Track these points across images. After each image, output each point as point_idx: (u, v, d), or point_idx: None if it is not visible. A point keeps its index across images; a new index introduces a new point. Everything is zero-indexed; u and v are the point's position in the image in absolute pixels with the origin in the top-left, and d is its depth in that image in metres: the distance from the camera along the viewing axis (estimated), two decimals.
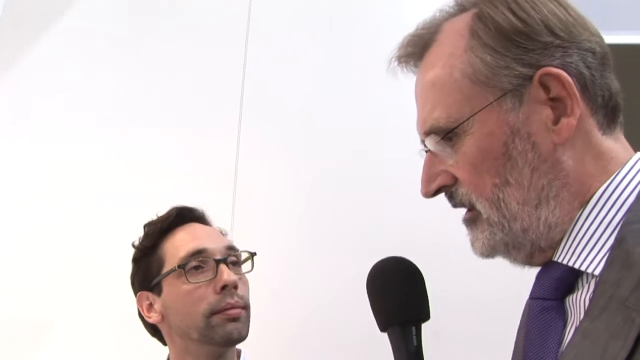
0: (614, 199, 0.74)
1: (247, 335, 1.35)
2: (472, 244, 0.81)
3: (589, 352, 0.68)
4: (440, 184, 0.82)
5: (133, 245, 1.45)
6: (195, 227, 1.44)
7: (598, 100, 0.77)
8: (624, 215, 0.73)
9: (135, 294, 1.44)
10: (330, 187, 1.94)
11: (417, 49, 0.85)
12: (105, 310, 1.85)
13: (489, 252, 0.80)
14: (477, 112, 0.77)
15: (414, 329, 0.87)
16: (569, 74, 0.75)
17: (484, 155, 0.77)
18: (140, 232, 1.46)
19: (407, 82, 0.88)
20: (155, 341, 1.45)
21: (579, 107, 0.75)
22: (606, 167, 0.76)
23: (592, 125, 0.77)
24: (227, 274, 1.35)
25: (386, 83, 0.92)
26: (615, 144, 0.78)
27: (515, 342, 0.89)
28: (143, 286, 1.42)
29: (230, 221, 1.75)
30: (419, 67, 0.85)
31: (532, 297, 0.80)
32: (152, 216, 1.47)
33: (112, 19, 2.14)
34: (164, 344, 1.46)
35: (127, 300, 1.48)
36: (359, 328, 1.63)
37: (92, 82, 2.09)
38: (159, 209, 1.47)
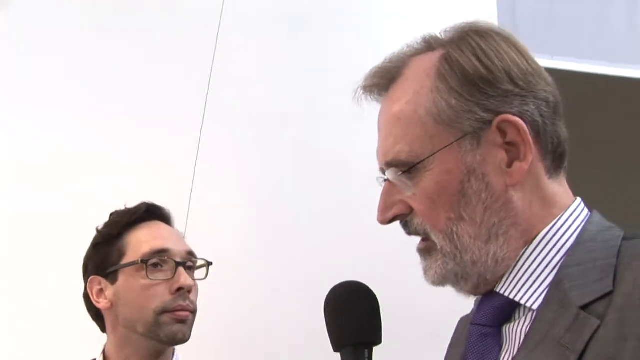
0: (555, 241, 0.81)
1: (189, 338, 1.41)
2: (425, 272, 0.86)
3: None
4: (396, 213, 0.86)
5: (97, 230, 1.48)
6: (160, 226, 1.49)
7: (548, 147, 0.83)
8: (562, 257, 0.80)
9: (87, 276, 1.46)
10: (289, 197, 2.01)
11: (383, 81, 0.89)
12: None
13: (440, 280, 0.85)
14: (438, 151, 0.81)
15: (366, 351, 0.92)
16: (524, 121, 0.80)
17: (441, 191, 0.82)
18: (92, 226, 1.50)
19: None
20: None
21: (532, 154, 0.81)
22: (550, 210, 0.82)
23: (540, 169, 0.83)
24: (184, 278, 1.41)
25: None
26: (559, 187, 0.84)
27: (447, 356, 0.99)
28: (97, 271, 1.44)
29: (185, 223, 1.80)
30: (385, 97, 0.89)
31: (473, 322, 0.86)
32: (110, 210, 1.51)
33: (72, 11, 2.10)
34: (103, 330, 1.49)
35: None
36: (312, 341, 1.72)
37: (54, 71, 2.04)
38: (113, 205, 1.52)
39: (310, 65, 2.14)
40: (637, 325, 0.70)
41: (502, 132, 0.81)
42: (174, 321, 1.39)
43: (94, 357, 1.48)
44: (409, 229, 0.86)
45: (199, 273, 1.49)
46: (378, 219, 0.88)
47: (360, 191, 1.91)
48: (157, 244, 1.43)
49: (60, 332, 1.76)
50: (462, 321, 1.01)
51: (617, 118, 2.71)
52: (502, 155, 0.81)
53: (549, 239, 0.81)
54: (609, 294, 0.73)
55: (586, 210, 0.85)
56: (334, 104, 2.08)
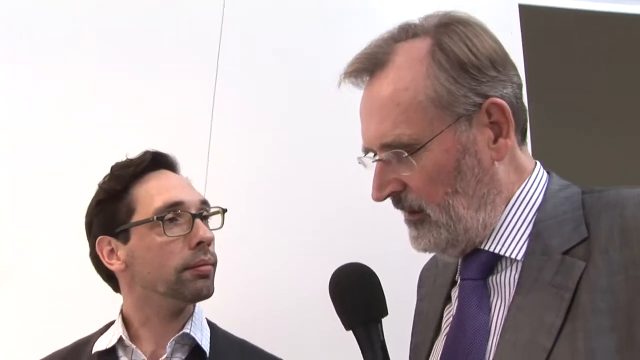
0: (527, 200, 0.93)
1: (213, 292, 1.33)
2: (415, 240, 0.95)
3: (526, 321, 0.84)
4: (391, 190, 0.94)
5: (99, 185, 1.35)
6: (169, 176, 1.37)
7: (520, 124, 0.95)
8: (535, 213, 0.92)
9: (93, 236, 1.35)
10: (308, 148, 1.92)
11: (368, 66, 0.95)
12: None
13: (432, 249, 0.95)
14: (439, 133, 0.90)
15: (378, 325, 0.97)
16: (506, 102, 0.91)
17: (439, 168, 0.91)
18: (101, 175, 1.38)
19: None
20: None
21: (513, 131, 0.92)
22: (521, 175, 0.95)
23: (515, 143, 0.95)
24: (203, 231, 1.31)
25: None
26: (525, 156, 0.97)
27: (417, 312, 1.11)
28: (105, 230, 1.33)
29: (205, 172, 1.69)
30: (371, 82, 0.95)
31: (463, 278, 0.96)
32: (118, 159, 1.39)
33: None
34: (116, 290, 1.40)
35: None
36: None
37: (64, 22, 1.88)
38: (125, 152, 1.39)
39: (327, 13, 1.99)
40: (620, 261, 0.81)
41: (488, 113, 0.91)
42: (197, 277, 1.30)
43: (112, 320, 1.39)
44: (402, 204, 0.95)
45: (213, 221, 1.39)
46: (373, 197, 0.96)
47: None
48: (170, 197, 1.31)
49: (73, 295, 1.66)
50: (428, 276, 1.13)
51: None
52: (489, 134, 0.92)
53: (522, 199, 0.93)
54: (585, 240, 0.85)
55: (545, 172, 0.97)
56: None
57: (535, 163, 0.98)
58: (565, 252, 0.85)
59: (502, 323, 0.87)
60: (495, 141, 0.92)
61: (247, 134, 1.87)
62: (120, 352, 1.33)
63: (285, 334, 1.69)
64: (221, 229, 1.39)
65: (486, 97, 0.90)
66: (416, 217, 0.94)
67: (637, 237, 0.81)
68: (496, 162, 0.92)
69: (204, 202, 1.37)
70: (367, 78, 0.96)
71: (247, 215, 1.69)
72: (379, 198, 0.95)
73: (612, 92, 2.87)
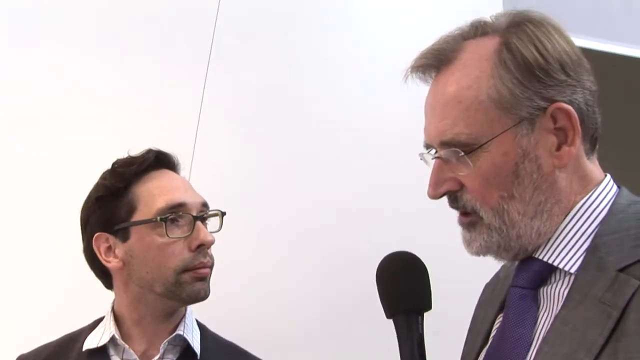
0: (590, 212, 0.90)
1: (209, 294, 1.34)
2: (469, 244, 0.93)
3: (568, 336, 0.82)
4: (447, 189, 0.93)
5: (100, 181, 1.34)
6: (171, 176, 1.37)
7: (589, 132, 0.91)
8: (596, 227, 0.89)
9: (89, 232, 1.34)
10: (297, 145, 1.91)
11: (435, 62, 0.93)
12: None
13: (484, 252, 0.93)
14: (498, 135, 0.88)
15: (419, 317, 0.96)
16: (573, 108, 0.88)
17: (496, 171, 0.89)
18: (94, 171, 1.36)
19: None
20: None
21: (579, 138, 0.89)
22: (586, 186, 0.91)
23: (581, 152, 0.91)
24: (204, 234, 1.32)
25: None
26: (593, 166, 0.94)
27: (473, 320, 1.09)
28: (103, 227, 1.32)
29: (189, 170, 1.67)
30: (437, 78, 0.94)
31: (513, 285, 0.94)
32: (110, 157, 1.37)
33: None
34: (108, 288, 1.38)
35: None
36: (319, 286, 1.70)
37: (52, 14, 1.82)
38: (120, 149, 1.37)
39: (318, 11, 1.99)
40: None
41: (554, 118, 0.88)
42: (195, 279, 1.30)
43: (102, 316, 1.38)
44: (457, 204, 0.93)
45: (212, 224, 1.39)
46: (429, 194, 0.94)
47: (374, 141, 1.89)
48: (173, 198, 1.31)
49: (62, 290, 1.64)
50: (488, 286, 1.11)
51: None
52: (552, 140, 0.88)
53: (584, 210, 0.90)
54: None
55: (615, 185, 0.94)
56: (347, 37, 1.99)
57: (606, 175, 0.95)
58: (621, 270, 0.82)
59: (544, 335, 0.86)
60: (558, 148, 0.89)
61: (234, 133, 1.87)
62: (111, 351, 1.32)
63: (274, 335, 1.71)
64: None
65: (552, 101, 0.87)
66: (469, 219, 0.93)
67: None
68: (557, 170, 0.89)
69: (205, 205, 1.37)
70: (434, 74, 0.94)
71: (233, 216, 1.69)
72: (434, 195, 0.93)
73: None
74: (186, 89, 1.83)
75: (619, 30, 2.39)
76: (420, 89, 0.97)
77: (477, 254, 0.93)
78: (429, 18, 2.02)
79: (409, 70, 0.95)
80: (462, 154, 0.89)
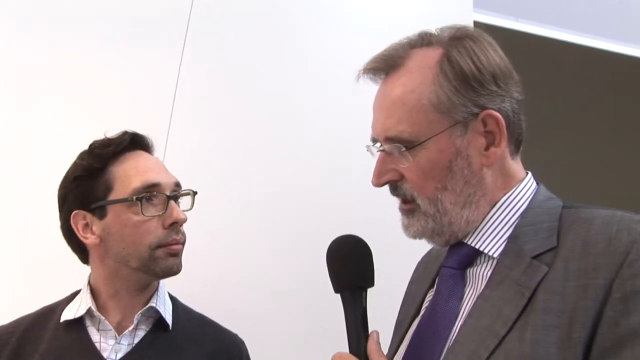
0: (512, 205, 1.03)
1: (181, 270, 1.42)
2: (407, 228, 1.06)
3: (488, 311, 0.95)
4: (389, 179, 1.05)
5: (77, 161, 1.40)
6: (145, 157, 1.43)
7: (514, 135, 1.05)
8: (517, 218, 1.02)
9: (67, 209, 1.40)
10: (274, 130, 1.97)
11: (384, 66, 1.06)
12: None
13: (419, 236, 1.06)
14: (435, 135, 1.00)
15: (363, 293, 1.07)
16: (502, 116, 1.01)
17: (433, 165, 1.01)
18: (73, 151, 1.42)
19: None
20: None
21: (505, 141, 1.02)
22: (509, 182, 1.05)
23: (506, 153, 1.05)
24: (177, 212, 1.39)
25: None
26: (516, 165, 1.07)
27: (406, 294, 1.24)
28: (81, 205, 1.38)
29: (163, 151, 1.73)
30: (385, 80, 1.06)
31: (444, 265, 1.07)
32: (84, 138, 1.43)
33: None
34: (84, 262, 1.45)
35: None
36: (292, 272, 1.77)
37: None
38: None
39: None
40: (575, 270, 0.91)
41: (484, 123, 1.01)
42: (168, 255, 1.38)
43: (77, 289, 1.45)
44: (397, 192, 1.06)
45: (184, 203, 1.47)
46: (372, 182, 1.07)
47: (344, 133, 1.96)
48: (148, 178, 1.38)
49: (38, 263, 1.69)
50: (420, 264, 1.27)
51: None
52: (482, 141, 1.01)
53: (507, 204, 1.03)
54: (553, 249, 0.96)
55: (535, 183, 1.07)
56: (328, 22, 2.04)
57: (527, 173, 1.08)
58: (535, 257, 0.96)
59: (469, 310, 0.98)
60: (486, 149, 1.01)
61: (207, 116, 1.92)
62: (88, 322, 1.39)
63: (242, 307, 1.79)
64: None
65: (484, 108, 1.00)
66: (408, 207, 1.05)
67: (595, 250, 0.92)
68: (485, 168, 1.02)
69: (177, 184, 1.44)
70: (383, 76, 1.06)
71: (204, 195, 1.75)
72: (377, 184, 1.06)
73: (556, 115, 3.07)
74: (161, 72, 1.87)
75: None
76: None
77: (414, 237, 1.06)
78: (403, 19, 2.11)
79: (361, 71, 1.08)
80: (404, 149, 1.01)
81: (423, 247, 1.16)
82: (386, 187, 1.08)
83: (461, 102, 1.00)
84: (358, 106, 1.89)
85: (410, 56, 1.04)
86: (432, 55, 1.02)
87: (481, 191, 1.02)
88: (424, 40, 1.05)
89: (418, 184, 1.02)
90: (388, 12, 2.13)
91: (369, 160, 1.10)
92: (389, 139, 1.03)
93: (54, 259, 1.58)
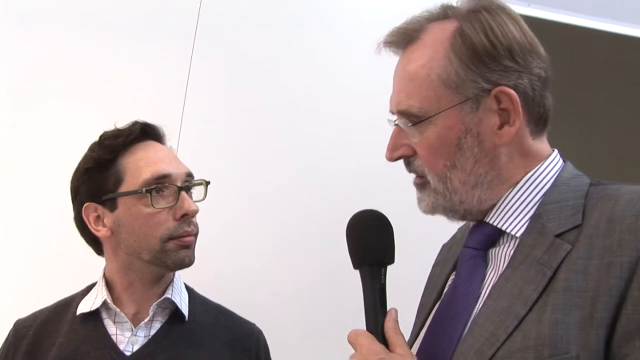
0: (536, 184, 0.99)
1: (194, 261, 1.40)
2: (419, 202, 1.04)
3: (509, 291, 0.92)
4: (402, 154, 1.03)
5: (88, 153, 1.39)
6: (156, 147, 1.41)
7: (534, 114, 1.00)
8: (541, 197, 0.98)
9: (79, 201, 1.39)
10: (285, 118, 1.95)
11: (401, 40, 1.03)
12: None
13: (431, 211, 1.03)
14: (443, 110, 0.97)
15: (382, 270, 1.03)
16: (517, 92, 0.96)
17: (441, 142, 0.98)
18: (78, 144, 1.41)
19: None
20: None
21: (519, 120, 0.97)
22: (531, 162, 1.00)
23: (525, 132, 1.00)
24: (188, 204, 1.37)
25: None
26: (540, 144, 1.02)
27: (430, 276, 1.20)
28: (92, 197, 1.38)
29: (177, 141, 1.72)
30: (402, 55, 1.04)
31: (465, 245, 1.04)
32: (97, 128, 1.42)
33: None
34: (99, 254, 1.45)
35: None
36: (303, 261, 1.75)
37: None
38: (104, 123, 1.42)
39: None
40: (600, 247, 0.87)
41: (498, 100, 0.96)
42: (180, 247, 1.36)
43: (93, 282, 1.45)
44: (410, 168, 1.03)
45: (196, 193, 1.45)
46: (386, 156, 1.04)
47: (362, 118, 1.93)
48: (158, 170, 1.36)
49: (54, 256, 1.70)
50: (445, 246, 1.23)
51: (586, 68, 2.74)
52: (495, 119, 0.97)
53: (531, 182, 0.99)
54: (578, 227, 0.91)
55: (561, 160, 1.03)
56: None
57: (553, 151, 1.03)
58: (558, 235, 0.92)
59: (490, 291, 0.95)
60: (500, 127, 0.97)
61: (220, 104, 1.91)
62: (104, 314, 1.39)
63: (260, 300, 1.78)
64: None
65: (496, 84, 0.95)
66: (420, 181, 1.02)
67: (620, 227, 0.87)
68: (499, 147, 0.97)
69: (189, 175, 1.42)
70: (402, 50, 1.03)
71: (219, 185, 1.74)
72: (390, 158, 1.03)
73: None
74: (174, 60, 1.86)
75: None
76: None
77: (426, 212, 1.04)
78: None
79: (382, 44, 1.05)
80: (410, 124, 0.99)
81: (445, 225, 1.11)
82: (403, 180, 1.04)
83: (471, 78, 0.96)
84: (368, 98, 1.87)
85: (427, 30, 1.01)
86: (447, 28, 0.99)
87: (494, 171, 0.98)
88: (442, 13, 1.01)
89: (427, 160, 0.99)
90: (398, 6, 2.07)
91: (383, 149, 1.05)
92: (400, 113, 1.01)
93: (70, 252, 1.58)
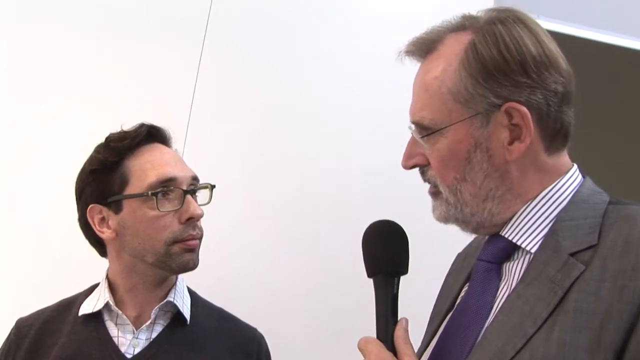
0: (553, 199, 0.98)
1: (198, 264, 1.40)
2: (433, 211, 1.04)
3: (519, 308, 0.90)
4: (416, 163, 1.03)
5: (93, 155, 1.39)
6: (162, 150, 1.41)
7: (549, 130, 0.97)
8: (558, 213, 0.97)
9: (84, 203, 1.39)
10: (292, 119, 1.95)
11: (419, 50, 1.03)
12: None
13: (444, 221, 1.03)
14: (453, 124, 0.97)
15: (395, 279, 1.03)
16: (530, 108, 0.94)
17: (451, 155, 0.98)
18: (86, 145, 1.41)
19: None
20: None
21: (530, 137, 0.95)
22: (548, 177, 0.99)
23: (539, 148, 0.98)
24: (193, 207, 1.37)
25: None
26: (557, 160, 1.00)
27: (443, 286, 1.19)
28: (97, 199, 1.37)
29: (183, 144, 1.71)
30: (421, 64, 1.03)
31: (479, 258, 1.03)
32: (104, 129, 1.42)
33: None
34: (102, 255, 1.44)
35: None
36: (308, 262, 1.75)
37: None
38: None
39: None
40: (614, 270, 0.85)
41: (509, 115, 0.95)
42: (184, 250, 1.36)
43: (96, 282, 1.45)
44: (424, 177, 1.04)
45: (201, 196, 1.45)
46: (402, 164, 1.04)
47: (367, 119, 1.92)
48: (164, 173, 1.36)
49: (58, 255, 1.70)
50: (460, 256, 1.22)
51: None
52: (505, 135, 0.96)
53: (548, 197, 0.98)
54: (593, 247, 0.90)
55: (580, 176, 1.01)
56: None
57: (573, 166, 1.02)
58: (573, 254, 0.90)
59: (501, 306, 0.94)
60: (511, 143, 0.96)
61: (227, 107, 1.90)
62: (105, 316, 1.39)
63: (263, 304, 1.78)
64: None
65: (507, 100, 0.94)
66: (433, 190, 1.03)
67: (636, 251, 0.85)
68: (511, 163, 0.96)
69: (195, 178, 1.42)
70: (422, 59, 1.03)
71: (225, 189, 1.74)
72: (405, 166, 1.04)
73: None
74: (182, 63, 1.86)
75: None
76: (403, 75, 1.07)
77: (439, 220, 1.04)
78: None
79: (403, 53, 1.05)
80: (420, 135, 1.00)
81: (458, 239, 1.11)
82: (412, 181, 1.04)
83: (480, 93, 0.95)
84: (378, 103, 1.87)
85: (444, 41, 1.00)
86: (462, 40, 0.98)
87: (505, 186, 0.97)
88: (460, 24, 1.00)
89: (439, 171, 0.99)
90: (405, 7, 2.06)
91: (392, 156, 1.07)
92: (414, 123, 1.01)
93: (73, 252, 1.58)
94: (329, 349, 1.73)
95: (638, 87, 2.83)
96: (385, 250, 1.04)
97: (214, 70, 1.88)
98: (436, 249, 1.34)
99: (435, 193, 1.02)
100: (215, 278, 1.65)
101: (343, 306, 1.66)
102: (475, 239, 1.15)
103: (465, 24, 1.00)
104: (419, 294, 1.21)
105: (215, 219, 1.47)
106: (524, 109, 0.94)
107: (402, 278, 1.03)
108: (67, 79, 1.80)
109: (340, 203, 1.89)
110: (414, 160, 1.03)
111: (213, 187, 1.45)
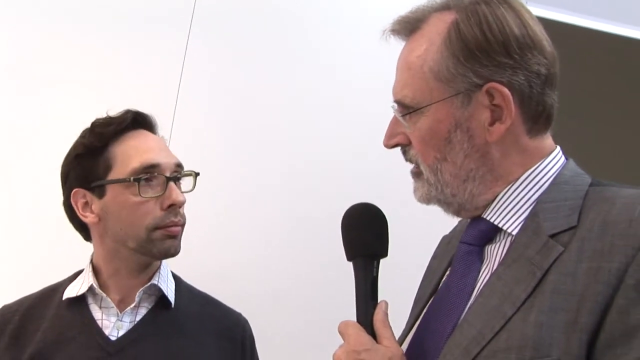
0: (535, 182, 0.97)
1: (179, 251, 1.41)
2: (414, 192, 1.04)
3: (499, 290, 0.91)
4: (398, 142, 1.03)
5: (79, 140, 1.40)
6: (147, 137, 1.42)
7: (531, 112, 0.97)
8: (540, 195, 0.96)
9: (69, 187, 1.40)
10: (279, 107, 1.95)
11: (403, 29, 1.02)
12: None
13: (425, 201, 1.03)
14: (434, 103, 0.96)
15: (375, 262, 1.04)
16: (511, 89, 0.94)
17: (431, 134, 0.97)
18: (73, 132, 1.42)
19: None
20: None
21: (511, 118, 0.95)
22: (530, 159, 0.98)
23: (521, 130, 0.97)
24: (176, 194, 1.38)
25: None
26: (539, 142, 0.99)
27: (427, 269, 1.19)
28: (81, 183, 1.39)
29: (169, 131, 1.72)
30: (405, 43, 1.03)
31: (462, 241, 1.03)
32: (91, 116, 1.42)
33: None
34: (87, 240, 1.46)
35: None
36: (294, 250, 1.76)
37: None
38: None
39: None
40: (591, 251, 0.86)
41: (490, 96, 0.94)
42: (166, 237, 1.37)
43: (82, 268, 1.46)
44: (406, 157, 1.03)
45: (185, 184, 1.46)
46: (383, 143, 1.04)
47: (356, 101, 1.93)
48: (147, 159, 1.37)
49: (43, 242, 1.71)
50: (445, 239, 1.21)
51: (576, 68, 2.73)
52: (486, 115, 0.95)
53: (530, 179, 0.97)
54: (573, 228, 0.90)
55: (563, 157, 1.01)
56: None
57: (556, 148, 1.01)
58: (552, 236, 0.90)
59: (482, 288, 0.94)
60: (492, 124, 0.95)
61: (214, 95, 1.92)
62: (90, 300, 1.40)
63: (249, 293, 1.79)
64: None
65: (488, 80, 0.93)
66: (416, 170, 1.02)
67: (612, 232, 0.85)
68: (491, 143, 0.96)
69: (179, 165, 1.43)
70: (406, 38, 1.03)
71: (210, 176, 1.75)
72: (386, 145, 1.03)
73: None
74: (168, 51, 1.87)
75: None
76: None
77: (421, 201, 1.03)
78: None
79: (388, 31, 1.04)
80: (404, 113, 0.99)
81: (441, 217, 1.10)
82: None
83: (461, 72, 0.94)
84: (363, 92, 1.87)
85: (428, 20, 0.99)
86: (446, 20, 0.97)
87: (485, 167, 0.97)
88: (444, 3, 1.00)
89: (420, 150, 0.99)
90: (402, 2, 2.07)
91: (379, 142, 1.06)
92: (396, 102, 1.01)
93: (58, 238, 1.59)
94: (316, 337, 1.74)
95: (628, 74, 2.84)
96: (363, 232, 1.04)
97: (201, 57, 1.89)
98: (421, 230, 1.34)
99: (417, 173, 1.02)
100: (201, 267, 1.66)
101: (331, 295, 1.67)
102: (460, 222, 1.16)
103: (450, 3, 0.99)
104: (405, 278, 1.21)
105: (200, 207, 1.48)
106: (505, 90, 0.93)
107: (389, 262, 1.03)
108: (51, 68, 1.81)
109: (328, 192, 1.91)
110: (395, 139, 1.02)
111: (197, 174, 1.46)
